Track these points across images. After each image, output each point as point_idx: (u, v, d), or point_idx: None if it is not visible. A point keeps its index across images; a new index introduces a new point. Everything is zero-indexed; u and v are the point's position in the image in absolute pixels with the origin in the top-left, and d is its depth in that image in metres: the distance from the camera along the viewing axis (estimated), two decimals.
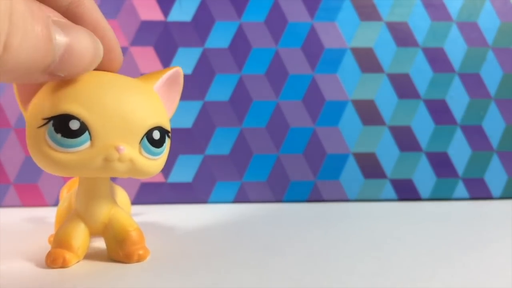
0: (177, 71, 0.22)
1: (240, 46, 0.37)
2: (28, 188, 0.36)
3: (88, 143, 0.18)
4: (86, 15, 0.19)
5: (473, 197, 0.38)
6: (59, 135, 0.18)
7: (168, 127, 0.21)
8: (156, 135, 0.20)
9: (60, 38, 0.16)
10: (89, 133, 0.18)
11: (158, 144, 0.20)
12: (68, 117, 0.18)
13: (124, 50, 0.36)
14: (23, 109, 0.20)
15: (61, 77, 0.17)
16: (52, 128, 0.18)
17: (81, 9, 0.18)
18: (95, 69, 0.19)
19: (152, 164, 0.20)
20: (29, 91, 0.20)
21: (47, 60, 0.16)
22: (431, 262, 0.21)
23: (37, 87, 0.20)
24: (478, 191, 0.38)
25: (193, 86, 0.37)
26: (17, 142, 0.36)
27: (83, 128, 0.18)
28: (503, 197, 0.39)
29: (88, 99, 0.18)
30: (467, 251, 0.23)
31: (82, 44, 0.17)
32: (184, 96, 0.37)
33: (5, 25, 0.14)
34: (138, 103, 0.19)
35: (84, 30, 0.18)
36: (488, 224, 0.29)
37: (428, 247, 0.23)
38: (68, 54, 0.17)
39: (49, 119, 0.18)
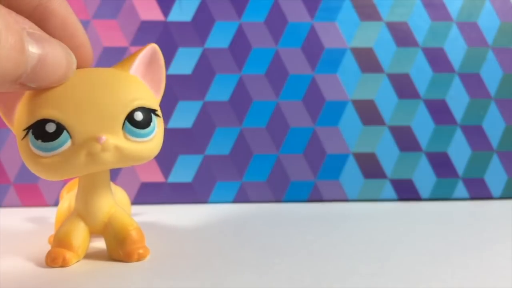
0: (151, 48, 0.21)
1: (240, 46, 0.37)
2: (28, 188, 0.36)
3: (68, 142, 0.18)
4: (56, 10, 0.19)
5: (473, 197, 0.38)
6: (39, 141, 0.18)
7: (153, 105, 0.20)
8: (138, 116, 0.19)
9: (33, 50, 0.16)
10: (68, 132, 0.18)
11: (143, 125, 0.19)
12: (43, 121, 0.18)
13: (124, 50, 0.36)
14: (8, 122, 0.20)
15: (31, 87, 0.18)
16: (33, 136, 0.18)
17: (51, 4, 0.19)
18: None
19: (144, 147, 0.20)
20: (8, 106, 0.20)
21: (19, 71, 0.16)
22: (431, 262, 0.21)
23: (15, 101, 0.20)
24: (478, 191, 0.38)
25: (193, 86, 0.37)
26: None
27: (60, 128, 0.18)
28: (503, 197, 0.39)
29: (60, 99, 0.18)
30: (467, 251, 0.23)
31: (55, 56, 0.17)
32: (184, 96, 0.37)
33: None
34: (111, 90, 0.19)
35: (57, 43, 0.18)
36: (488, 224, 0.29)
37: (428, 247, 0.23)
38: (40, 65, 0.17)
39: (28, 129, 0.18)
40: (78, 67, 0.20)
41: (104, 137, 0.18)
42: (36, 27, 0.17)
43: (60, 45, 0.18)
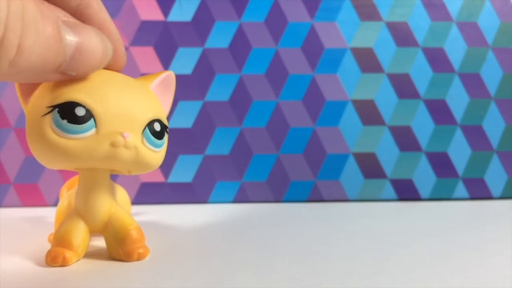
0: (170, 75, 0.23)
1: (240, 46, 0.37)
2: (28, 188, 0.36)
3: (93, 130, 0.19)
4: (93, 16, 0.19)
5: (473, 197, 0.38)
6: (65, 121, 0.18)
7: (166, 122, 0.21)
8: (157, 126, 0.20)
9: (70, 38, 0.17)
10: (95, 121, 0.19)
11: (159, 135, 0.20)
12: (74, 104, 0.18)
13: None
14: (24, 103, 0.20)
15: (72, 75, 0.18)
16: (58, 115, 0.18)
17: (88, 10, 0.19)
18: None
19: (154, 156, 0.21)
20: (30, 85, 0.20)
21: (59, 60, 0.16)
22: (431, 262, 0.21)
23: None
24: (478, 191, 0.38)
25: (193, 86, 0.37)
26: (17, 142, 0.36)
27: (89, 115, 0.19)
28: (503, 197, 0.39)
29: (93, 90, 0.19)
30: (467, 251, 0.23)
31: (92, 43, 0.18)
32: (184, 96, 0.37)
33: (18, 27, 0.15)
34: (139, 96, 0.20)
35: (93, 29, 0.18)
36: (488, 224, 0.29)
37: (428, 247, 0.23)
38: (78, 53, 0.17)
39: (54, 107, 0.18)
40: (110, 70, 0.20)
41: (128, 134, 0.19)
42: (69, 15, 0.17)
43: (95, 31, 0.18)
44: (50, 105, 0.19)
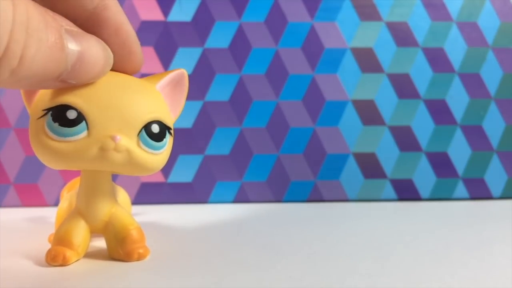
0: (181, 72, 0.22)
1: (240, 46, 0.37)
2: (28, 188, 0.36)
3: (85, 133, 0.19)
4: (110, 18, 0.19)
5: (473, 197, 0.38)
6: (56, 124, 0.18)
7: (169, 123, 0.21)
8: (155, 128, 0.20)
9: (73, 47, 0.17)
10: (86, 123, 0.19)
11: (157, 138, 0.20)
12: (66, 107, 0.18)
13: None
14: (28, 105, 0.20)
15: (72, 84, 0.18)
16: (51, 118, 0.19)
17: (106, 12, 0.19)
18: (113, 70, 0.20)
19: (152, 158, 0.20)
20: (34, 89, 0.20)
21: (60, 69, 0.16)
22: (431, 262, 0.21)
23: None
24: (478, 191, 0.38)
25: (193, 86, 0.37)
26: (17, 142, 0.36)
27: (80, 117, 0.19)
28: (503, 197, 0.39)
29: (86, 91, 0.19)
30: (467, 251, 0.23)
31: (93, 52, 0.18)
32: None
33: (22, 38, 0.15)
34: (136, 97, 0.20)
35: (95, 39, 0.18)
36: (488, 224, 0.29)
37: (428, 247, 0.23)
38: (80, 62, 0.17)
39: (48, 110, 0.19)
40: (127, 73, 0.20)
41: (119, 137, 0.19)
42: (72, 24, 0.17)
43: (97, 41, 0.18)
44: (44, 108, 0.19)
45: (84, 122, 0.19)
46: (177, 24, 0.37)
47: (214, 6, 0.37)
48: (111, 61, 0.19)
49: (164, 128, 0.20)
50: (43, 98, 0.19)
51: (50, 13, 0.16)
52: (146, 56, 0.37)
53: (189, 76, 0.37)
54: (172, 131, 0.21)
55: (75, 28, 0.17)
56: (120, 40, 0.19)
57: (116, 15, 0.19)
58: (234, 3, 0.37)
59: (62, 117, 0.18)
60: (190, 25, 0.37)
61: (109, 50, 0.19)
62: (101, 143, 0.19)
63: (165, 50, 0.37)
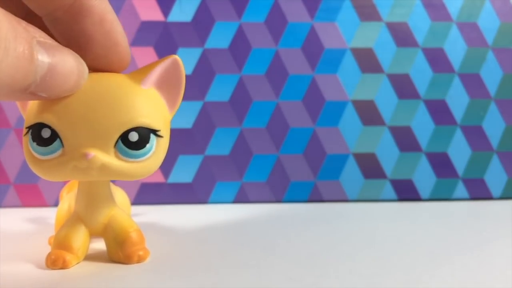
0: (173, 59, 0.20)
1: (240, 47, 0.37)
2: (28, 189, 0.36)
3: (60, 151, 0.18)
4: (94, 7, 0.18)
5: (473, 198, 0.38)
6: (35, 144, 0.19)
7: (156, 125, 0.19)
8: (133, 136, 0.19)
9: (43, 59, 0.16)
10: (61, 141, 0.18)
11: (136, 146, 0.19)
12: (41, 125, 0.18)
13: None
14: (22, 110, 0.21)
15: (42, 97, 0.17)
16: (30, 138, 0.19)
17: (89, 1, 0.18)
18: (100, 67, 0.19)
19: (137, 166, 0.19)
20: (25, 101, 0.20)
21: (28, 80, 0.16)
22: (431, 262, 0.21)
23: None
24: (478, 191, 0.38)
25: (193, 86, 0.37)
26: (17, 142, 0.36)
27: (54, 136, 0.18)
28: (503, 197, 0.39)
29: (59, 107, 0.18)
30: (467, 251, 0.23)
31: (66, 66, 0.17)
32: (184, 97, 0.37)
33: None
34: (112, 107, 0.18)
35: (68, 52, 0.17)
36: (488, 225, 0.29)
37: (428, 247, 0.23)
38: (50, 75, 0.16)
39: (28, 129, 0.19)
40: (114, 67, 0.19)
41: (91, 154, 0.18)
42: (47, 36, 0.17)
43: (71, 54, 0.17)
44: (27, 125, 0.19)
45: (58, 139, 0.18)
46: (177, 24, 0.37)
47: (214, 6, 0.37)
48: (86, 76, 0.18)
49: (146, 133, 0.19)
50: (30, 111, 0.19)
51: (23, 23, 0.16)
52: (146, 57, 0.37)
53: (189, 76, 0.37)
54: (161, 132, 0.19)
55: (49, 41, 0.17)
56: (105, 30, 0.19)
57: (101, 3, 0.18)
58: (234, 3, 0.37)
59: (39, 136, 0.18)
60: (190, 25, 0.37)
61: (84, 64, 0.18)
62: (73, 162, 0.18)
63: (165, 50, 0.37)
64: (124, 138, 0.18)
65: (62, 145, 0.18)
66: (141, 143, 0.19)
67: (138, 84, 0.19)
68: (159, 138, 0.19)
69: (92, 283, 0.18)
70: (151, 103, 0.19)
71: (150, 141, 0.19)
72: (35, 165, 0.19)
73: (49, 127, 0.18)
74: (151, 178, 0.37)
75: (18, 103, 0.20)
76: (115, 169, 0.19)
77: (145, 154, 0.19)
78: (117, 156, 0.19)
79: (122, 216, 0.21)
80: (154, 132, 0.19)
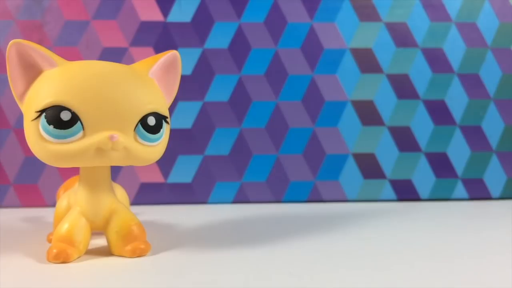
0: (174, 54, 0.22)
1: (239, 47, 0.37)
2: (27, 189, 0.36)
3: (80, 133, 0.19)
4: None
5: (472, 198, 0.38)
6: (51, 127, 0.18)
7: (165, 112, 0.21)
8: (151, 121, 0.20)
9: None
10: (81, 123, 0.18)
11: (154, 130, 0.20)
12: (60, 108, 0.18)
13: (124, 50, 0.36)
14: (19, 101, 0.20)
15: None
16: (45, 120, 0.18)
17: None
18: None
19: (150, 150, 0.20)
20: (23, 82, 0.20)
21: None
22: (431, 262, 0.21)
23: (31, 78, 0.20)
24: (477, 191, 0.38)
25: (193, 87, 0.37)
26: (17, 143, 0.36)
27: (75, 118, 0.18)
28: (502, 197, 0.39)
29: (79, 90, 0.18)
30: (467, 251, 0.23)
31: None
32: (184, 97, 0.37)
33: None
34: (131, 90, 0.19)
35: None
36: (488, 224, 0.29)
37: (427, 247, 0.23)
38: None
39: (41, 112, 0.18)
40: None
41: (116, 136, 0.19)
42: None
43: None
44: (37, 109, 0.18)
45: (79, 122, 0.18)
46: (177, 24, 0.37)
47: (213, 7, 0.37)
48: None
49: (160, 118, 0.20)
50: (35, 97, 0.19)
51: None
52: (146, 57, 0.36)
53: (189, 76, 0.37)
54: (168, 119, 0.21)
55: None
56: None
57: None
58: (233, 4, 0.37)
59: (57, 118, 0.18)
60: (189, 26, 0.37)
61: None
62: (98, 144, 0.19)
63: (164, 50, 0.36)
64: (143, 122, 0.19)
65: (82, 128, 0.18)
66: (157, 128, 0.20)
67: (147, 74, 0.21)
68: (167, 125, 0.21)
69: (93, 277, 0.18)
70: (158, 91, 0.21)
71: (163, 126, 0.20)
72: (46, 150, 0.19)
73: (69, 110, 0.18)
74: (151, 178, 0.37)
75: (13, 89, 0.20)
76: (135, 152, 0.19)
77: (159, 138, 0.20)
78: (136, 140, 0.19)
79: (123, 210, 0.21)
80: (165, 118, 0.20)
